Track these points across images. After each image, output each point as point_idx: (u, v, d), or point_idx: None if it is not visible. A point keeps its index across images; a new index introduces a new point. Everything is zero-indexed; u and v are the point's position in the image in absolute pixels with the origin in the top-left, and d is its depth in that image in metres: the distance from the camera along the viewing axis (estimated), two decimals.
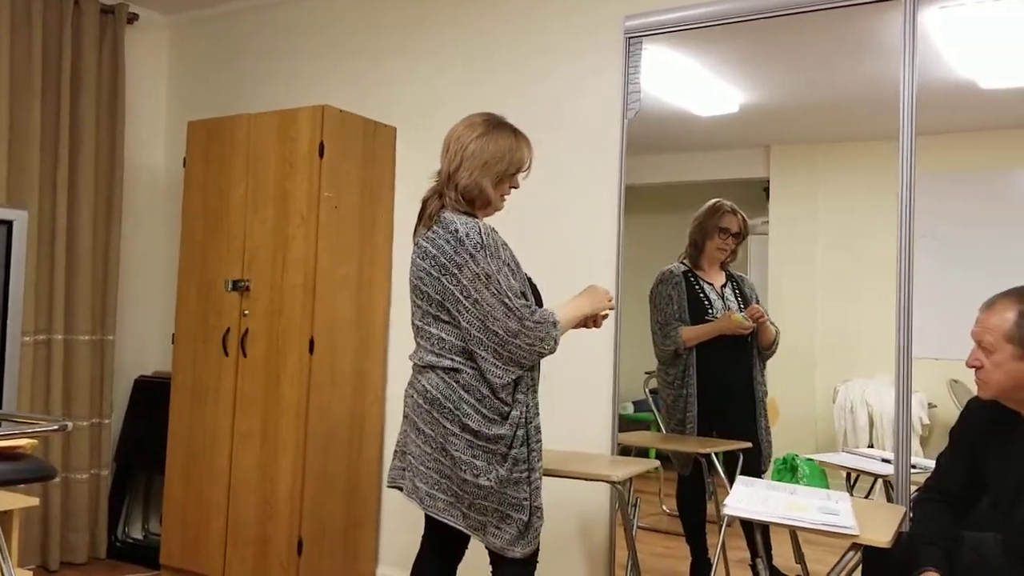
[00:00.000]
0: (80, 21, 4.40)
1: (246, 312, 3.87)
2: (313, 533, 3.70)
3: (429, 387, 2.42)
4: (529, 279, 2.55)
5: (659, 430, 3.56)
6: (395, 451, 2.59)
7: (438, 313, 2.41)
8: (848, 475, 3.06)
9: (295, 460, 3.68)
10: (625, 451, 3.49)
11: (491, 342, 2.34)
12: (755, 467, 3.20)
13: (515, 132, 2.54)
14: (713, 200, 3.34)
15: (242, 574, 3.79)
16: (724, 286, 3.33)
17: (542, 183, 3.68)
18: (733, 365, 3.26)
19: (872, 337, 3.02)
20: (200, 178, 4.10)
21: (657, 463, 3.22)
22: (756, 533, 2.64)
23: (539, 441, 2.45)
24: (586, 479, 2.86)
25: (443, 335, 2.41)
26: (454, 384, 2.39)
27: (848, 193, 3.11)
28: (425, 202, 2.56)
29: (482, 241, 2.35)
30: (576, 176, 3.63)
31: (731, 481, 3.19)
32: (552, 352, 2.41)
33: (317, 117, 3.74)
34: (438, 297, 2.40)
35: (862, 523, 2.32)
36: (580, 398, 3.55)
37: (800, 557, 2.80)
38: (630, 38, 3.50)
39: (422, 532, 2.71)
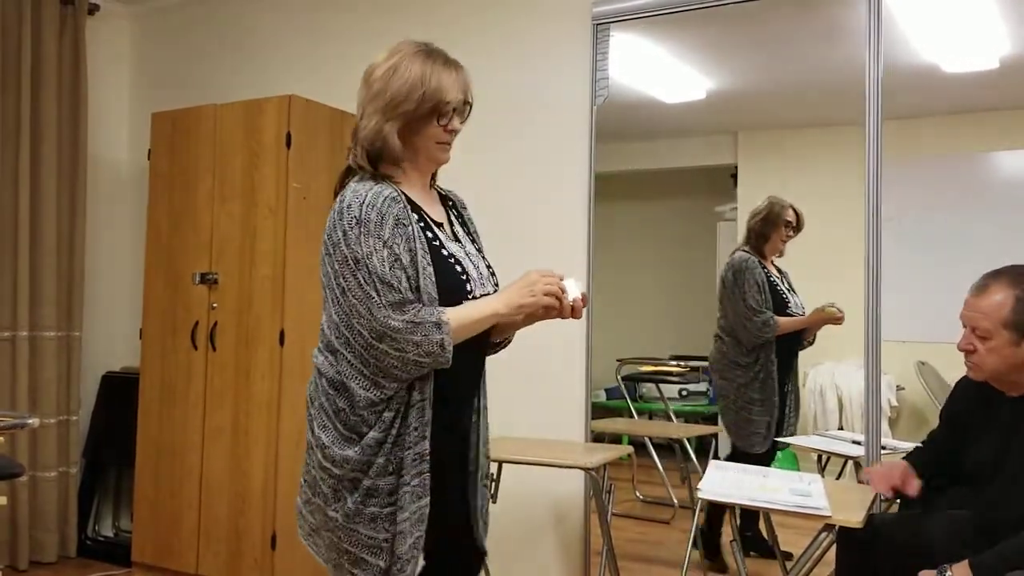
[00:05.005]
0: (40, 13, 4.32)
1: (215, 305, 3.84)
2: (287, 527, 3.68)
3: (308, 384, 1.99)
4: (489, 267, 2.06)
5: (631, 416, 3.58)
6: None
7: (324, 301, 1.93)
8: (819, 457, 3.09)
9: (267, 454, 3.66)
10: (598, 438, 3.51)
11: (356, 344, 1.82)
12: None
13: (434, 59, 1.92)
14: (770, 196, 3.24)
15: (215, 570, 3.76)
16: (782, 279, 3.29)
17: (512, 171, 3.67)
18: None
19: None
20: (165, 170, 4.05)
21: (630, 449, 3.23)
22: (734, 515, 2.66)
23: (422, 474, 1.83)
24: (560, 466, 2.86)
25: (323, 326, 1.93)
26: (318, 384, 1.93)
27: (815, 178, 3.14)
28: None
29: (359, 215, 1.80)
30: (546, 164, 3.63)
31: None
32: (439, 362, 1.80)
33: (284, 107, 3.70)
34: (322, 282, 1.91)
35: (834, 504, 2.34)
36: (553, 386, 3.55)
37: (774, 540, 2.82)
38: (598, 25, 3.49)
39: None
